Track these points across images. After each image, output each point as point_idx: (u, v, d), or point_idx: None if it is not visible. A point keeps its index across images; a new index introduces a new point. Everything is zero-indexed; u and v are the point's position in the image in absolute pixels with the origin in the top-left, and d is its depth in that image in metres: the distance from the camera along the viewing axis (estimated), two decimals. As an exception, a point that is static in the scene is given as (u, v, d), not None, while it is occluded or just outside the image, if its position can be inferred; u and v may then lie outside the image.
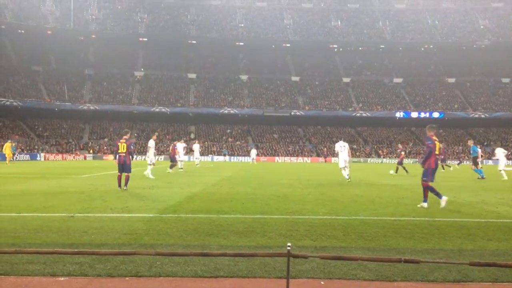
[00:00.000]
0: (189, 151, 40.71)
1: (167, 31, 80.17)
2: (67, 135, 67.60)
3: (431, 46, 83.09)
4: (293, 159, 63.67)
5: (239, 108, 72.56)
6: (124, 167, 14.03)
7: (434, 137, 10.50)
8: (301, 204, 10.42)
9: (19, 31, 73.46)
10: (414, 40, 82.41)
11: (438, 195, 10.21)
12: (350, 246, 6.03)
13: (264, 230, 7.05)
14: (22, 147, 57.78)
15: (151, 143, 20.75)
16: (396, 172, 25.88)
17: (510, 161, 53.40)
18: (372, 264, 5.05)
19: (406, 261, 3.56)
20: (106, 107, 69.25)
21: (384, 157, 65.98)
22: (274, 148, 68.42)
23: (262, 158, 61.59)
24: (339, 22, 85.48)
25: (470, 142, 24.23)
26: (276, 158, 63.80)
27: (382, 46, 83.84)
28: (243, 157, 63.31)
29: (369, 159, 64.72)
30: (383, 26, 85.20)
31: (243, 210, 9.32)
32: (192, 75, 78.37)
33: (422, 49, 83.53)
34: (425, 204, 10.17)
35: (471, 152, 23.13)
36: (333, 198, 11.94)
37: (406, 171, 25.99)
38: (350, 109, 73.79)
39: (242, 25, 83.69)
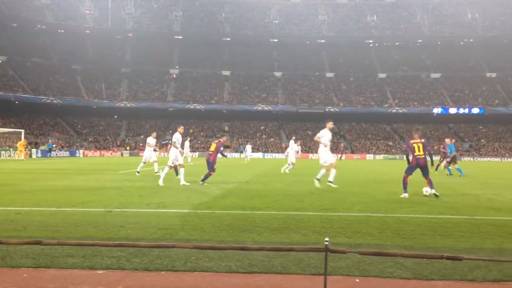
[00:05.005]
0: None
1: (202, 29, 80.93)
2: (105, 132, 69.23)
3: (471, 40, 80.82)
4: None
5: (273, 104, 72.57)
6: (207, 164, 14.85)
7: (416, 139, 11.56)
8: (335, 201, 10.32)
9: (59, 30, 75.90)
10: (453, 34, 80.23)
11: (404, 189, 11.41)
12: (386, 244, 5.92)
13: (298, 227, 7.01)
14: (62, 144, 59.55)
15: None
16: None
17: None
18: (409, 262, 4.94)
19: (448, 258, 3.45)
20: (142, 104, 70.59)
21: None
22: (308, 145, 67.99)
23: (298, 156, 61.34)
24: (375, 17, 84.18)
25: (448, 140, 22.37)
26: (310, 155, 63.42)
27: (419, 40, 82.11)
28: (276, 154, 63.30)
29: (404, 156, 63.50)
30: (421, 20, 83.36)
31: (277, 207, 9.29)
32: (226, 72, 78.88)
33: (462, 43, 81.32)
34: (405, 195, 11.20)
35: (449, 151, 21.51)
36: (368, 195, 11.75)
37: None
38: (385, 105, 72.65)
39: (276, 21, 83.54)
